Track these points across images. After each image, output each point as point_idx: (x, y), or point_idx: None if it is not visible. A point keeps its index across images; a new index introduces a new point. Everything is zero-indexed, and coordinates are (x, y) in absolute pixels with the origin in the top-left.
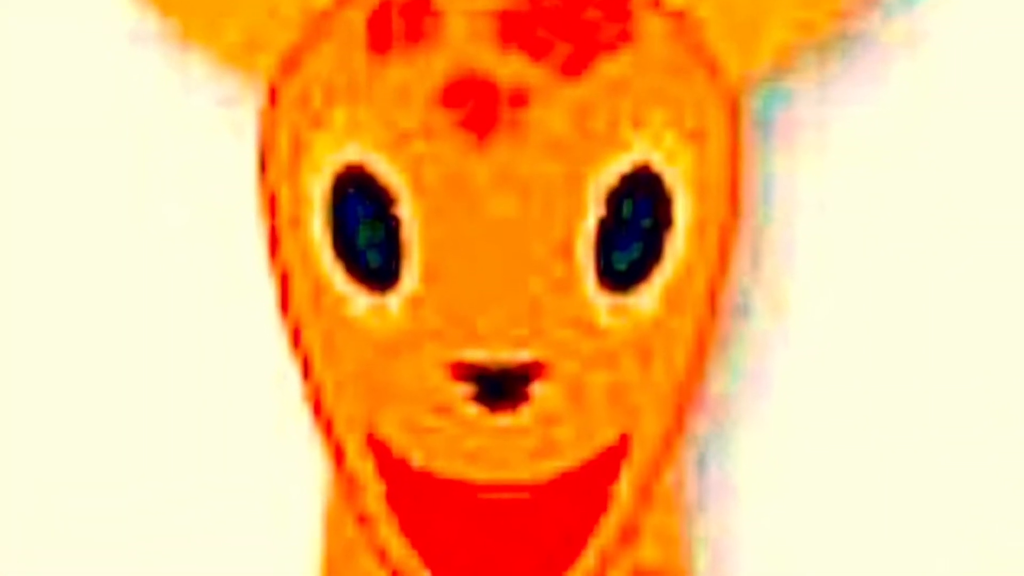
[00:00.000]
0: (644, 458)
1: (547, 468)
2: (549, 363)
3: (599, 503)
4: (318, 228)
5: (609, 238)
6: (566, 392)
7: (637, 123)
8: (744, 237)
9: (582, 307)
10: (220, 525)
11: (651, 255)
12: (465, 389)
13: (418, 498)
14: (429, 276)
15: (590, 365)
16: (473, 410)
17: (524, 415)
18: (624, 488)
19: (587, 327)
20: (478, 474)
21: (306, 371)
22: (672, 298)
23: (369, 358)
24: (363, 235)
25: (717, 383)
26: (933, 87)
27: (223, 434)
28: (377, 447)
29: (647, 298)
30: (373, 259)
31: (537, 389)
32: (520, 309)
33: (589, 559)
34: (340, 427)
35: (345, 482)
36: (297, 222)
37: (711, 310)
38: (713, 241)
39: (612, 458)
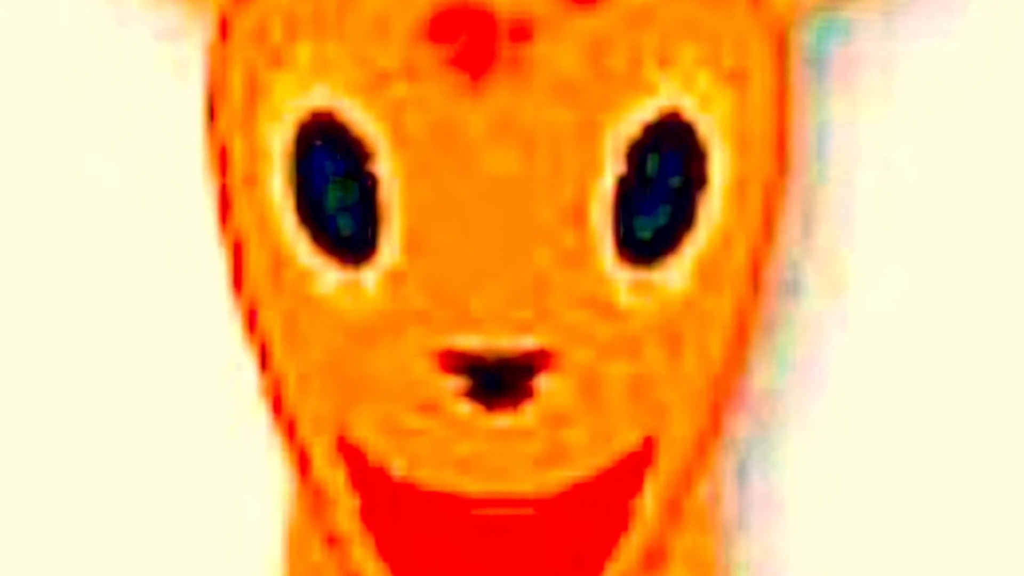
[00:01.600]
0: (672, 466)
1: (555, 478)
2: (557, 352)
3: (618, 520)
4: (278, 188)
5: (630, 200)
6: (578, 386)
7: (664, 61)
8: (793, 199)
9: (597, 284)
10: (161, 547)
11: (681, 221)
12: (456, 383)
13: (399, 515)
14: (412, 246)
15: (607, 354)
16: (466, 408)
17: (527, 414)
18: (648, 502)
19: (603, 308)
20: (472, 486)
21: (264, 361)
22: (706, 273)
23: (340, 345)
24: (333, 196)
25: (761, 376)
26: (1020, 16)
27: (161, 437)
28: (350, 453)
29: (676, 273)
30: (345, 226)
31: (543, 383)
32: (522, 286)
33: None
34: (305, 429)
35: (311, 495)
36: (253, 181)
37: (753, 287)
38: (756, 204)
39: (634, 466)
